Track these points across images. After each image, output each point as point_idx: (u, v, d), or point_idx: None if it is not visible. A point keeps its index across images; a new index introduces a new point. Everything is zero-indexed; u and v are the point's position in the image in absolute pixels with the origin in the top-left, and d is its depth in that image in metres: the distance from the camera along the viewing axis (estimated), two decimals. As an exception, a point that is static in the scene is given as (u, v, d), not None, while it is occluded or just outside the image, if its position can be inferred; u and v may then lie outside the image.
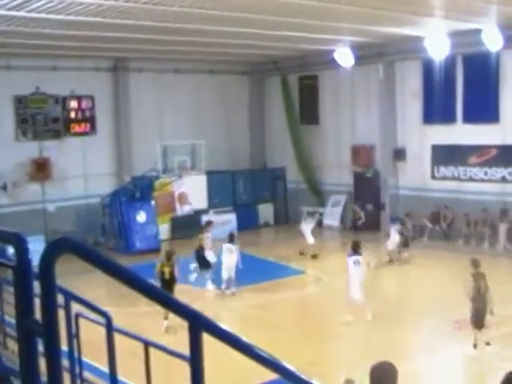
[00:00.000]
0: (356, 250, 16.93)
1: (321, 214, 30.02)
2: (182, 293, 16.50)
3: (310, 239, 25.02)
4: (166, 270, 17.09)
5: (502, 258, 23.69)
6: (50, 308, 2.54)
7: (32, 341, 2.71)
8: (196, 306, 2.67)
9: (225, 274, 20.28)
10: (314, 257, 24.55)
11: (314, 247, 24.92)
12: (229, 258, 20.28)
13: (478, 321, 14.15)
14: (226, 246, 20.45)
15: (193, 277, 21.69)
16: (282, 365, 2.77)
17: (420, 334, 15.82)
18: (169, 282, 16.82)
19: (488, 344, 14.16)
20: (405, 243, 24.09)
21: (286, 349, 13.16)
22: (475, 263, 14.63)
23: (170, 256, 17.58)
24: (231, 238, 20.74)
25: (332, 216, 31.29)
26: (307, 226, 25.42)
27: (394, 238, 23.77)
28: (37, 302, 2.64)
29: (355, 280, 17.06)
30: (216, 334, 2.66)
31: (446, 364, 13.92)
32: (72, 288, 5.97)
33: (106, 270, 2.57)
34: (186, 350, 2.69)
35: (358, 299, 16.94)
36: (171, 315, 14.34)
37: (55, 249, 2.55)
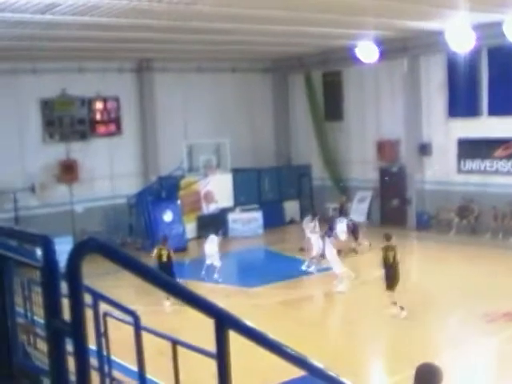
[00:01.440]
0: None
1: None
2: (208, 292, 16.62)
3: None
4: (164, 253, 19.28)
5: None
6: (77, 308, 2.57)
7: (61, 340, 2.73)
8: (221, 303, 2.68)
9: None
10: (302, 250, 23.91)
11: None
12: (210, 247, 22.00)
13: (388, 284, 16.99)
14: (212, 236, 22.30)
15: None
16: (309, 362, 2.78)
17: (449, 328, 15.73)
18: (166, 264, 18.89)
19: (395, 304, 16.77)
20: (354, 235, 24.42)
21: (314, 346, 13.13)
22: (387, 237, 17.29)
23: (165, 240, 19.95)
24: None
25: (358, 212, 31.18)
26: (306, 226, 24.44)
27: (341, 231, 23.53)
28: (65, 302, 2.67)
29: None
30: (242, 331, 2.67)
31: (476, 358, 13.83)
32: (100, 288, 6.02)
33: (131, 269, 2.59)
34: (213, 347, 2.70)
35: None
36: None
37: (81, 249, 2.58)
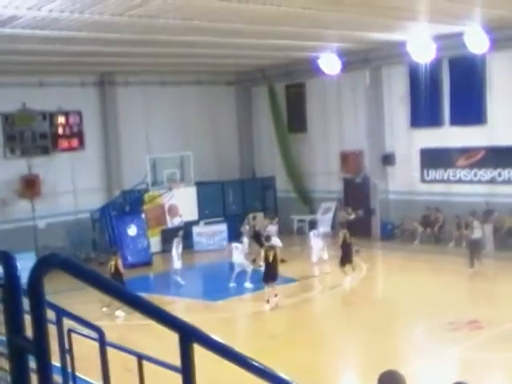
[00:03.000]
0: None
1: (312, 222, 29.76)
2: (173, 306, 16.54)
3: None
4: (112, 263, 19.76)
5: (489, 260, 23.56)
6: (39, 324, 2.53)
7: (23, 358, 2.69)
8: (185, 318, 2.67)
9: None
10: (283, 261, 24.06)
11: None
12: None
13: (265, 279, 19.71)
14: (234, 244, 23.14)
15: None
16: (274, 374, 2.77)
17: (414, 337, 15.81)
18: (113, 275, 19.05)
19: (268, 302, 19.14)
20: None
21: (279, 358, 13.12)
22: (267, 238, 21.62)
23: (115, 252, 20.68)
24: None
25: (323, 223, 31.27)
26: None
27: (317, 245, 24.35)
28: (27, 319, 2.64)
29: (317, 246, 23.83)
30: (207, 344, 2.66)
31: (442, 366, 13.92)
32: (65, 304, 5.96)
33: (94, 284, 2.56)
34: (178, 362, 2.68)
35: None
36: (115, 304, 16.99)
37: (43, 265, 2.54)
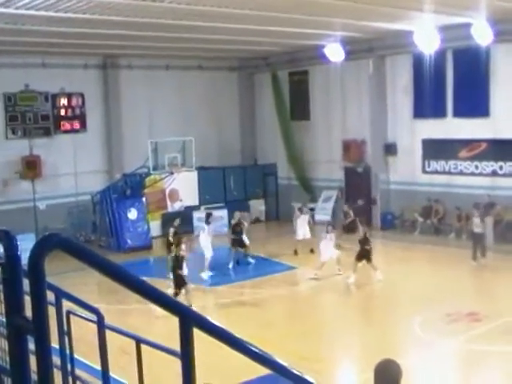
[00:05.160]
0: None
1: (312, 209, 29.91)
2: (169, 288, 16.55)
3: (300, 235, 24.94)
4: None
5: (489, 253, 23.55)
6: (39, 305, 2.52)
7: (22, 338, 2.68)
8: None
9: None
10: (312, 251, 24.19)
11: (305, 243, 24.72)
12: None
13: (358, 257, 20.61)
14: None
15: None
16: (273, 359, 2.77)
17: (412, 328, 15.83)
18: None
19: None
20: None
21: (279, 345, 13.15)
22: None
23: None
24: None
25: (323, 211, 31.30)
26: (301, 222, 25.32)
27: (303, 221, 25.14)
28: (27, 300, 2.62)
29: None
30: (207, 329, 2.65)
31: (440, 358, 13.96)
32: (63, 286, 5.95)
33: (95, 266, 2.55)
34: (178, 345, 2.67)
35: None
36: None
37: (44, 245, 2.53)
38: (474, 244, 21.96)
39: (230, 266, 23.62)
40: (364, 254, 20.60)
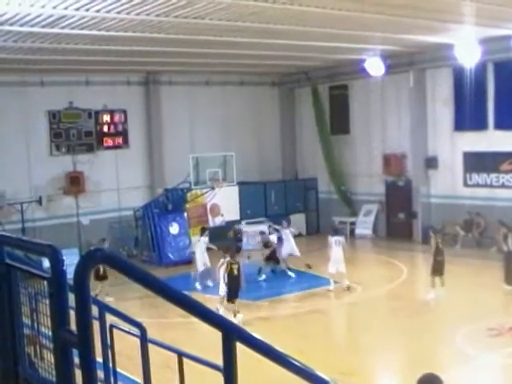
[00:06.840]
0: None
1: (352, 224, 29.70)
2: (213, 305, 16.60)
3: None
4: (234, 266, 18.36)
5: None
6: (84, 319, 2.57)
7: (68, 352, 2.73)
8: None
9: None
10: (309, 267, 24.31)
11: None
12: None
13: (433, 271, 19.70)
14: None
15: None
16: (316, 374, 2.77)
17: (454, 343, 15.62)
18: (236, 278, 18.32)
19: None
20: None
21: (319, 359, 13.08)
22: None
23: (233, 253, 19.30)
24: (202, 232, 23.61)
25: (364, 225, 31.15)
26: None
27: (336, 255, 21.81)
28: (72, 314, 2.66)
29: (336, 256, 21.36)
30: (250, 344, 2.67)
31: (482, 372, 13.75)
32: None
33: (138, 279, 2.59)
34: (219, 359, 2.70)
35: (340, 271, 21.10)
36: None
37: (89, 259, 2.58)
38: (506, 264, 20.43)
39: (262, 278, 23.69)
40: (437, 268, 19.83)
